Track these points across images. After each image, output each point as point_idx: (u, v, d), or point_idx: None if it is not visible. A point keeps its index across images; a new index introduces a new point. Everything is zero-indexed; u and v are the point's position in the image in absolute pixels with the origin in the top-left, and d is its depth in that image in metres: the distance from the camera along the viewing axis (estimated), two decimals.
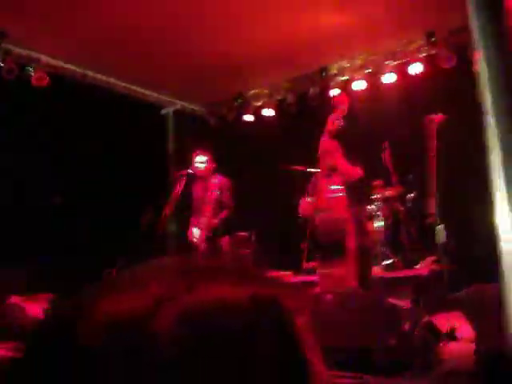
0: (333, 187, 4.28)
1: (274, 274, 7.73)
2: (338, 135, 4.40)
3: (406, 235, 7.33)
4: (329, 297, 3.61)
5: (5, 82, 7.05)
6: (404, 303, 3.45)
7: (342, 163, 4.29)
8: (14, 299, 5.44)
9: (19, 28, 6.85)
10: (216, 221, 5.41)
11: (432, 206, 3.74)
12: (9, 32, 6.88)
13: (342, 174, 4.30)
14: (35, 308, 5.29)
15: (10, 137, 7.09)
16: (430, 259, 6.98)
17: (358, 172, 4.36)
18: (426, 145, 4.25)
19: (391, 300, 3.51)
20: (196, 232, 5.56)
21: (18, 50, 7.31)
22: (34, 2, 6.23)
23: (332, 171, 4.39)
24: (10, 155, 7.00)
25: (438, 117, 4.29)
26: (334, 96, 4.45)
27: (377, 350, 3.29)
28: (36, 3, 6.26)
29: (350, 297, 3.54)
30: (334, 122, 4.25)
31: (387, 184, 7.57)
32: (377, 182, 7.63)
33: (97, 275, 7.47)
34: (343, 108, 4.28)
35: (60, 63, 7.71)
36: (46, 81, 7.46)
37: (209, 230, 5.41)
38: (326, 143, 4.21)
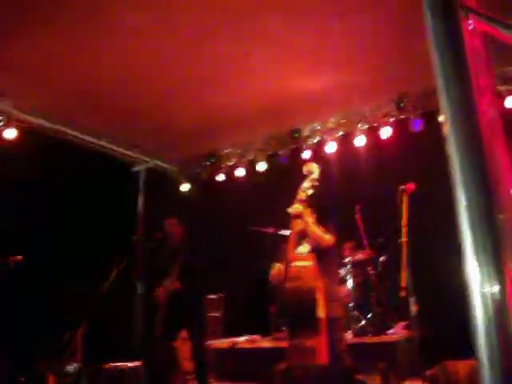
0: (303, 255, 4.21)
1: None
2: (309, 201, 4.36)
3: (376, 299, 7.27)
4: (298, 371, 3.50)
5: None
6: (375, 377, 3.35)
7: (313, 231, 4.24)
8: None
9: None
10: (179, 286, 5.23)
11: (404, 279, 3.70)
12: None
13: (312, 241, 4.24)
14: None
15: None
16: (400, 325, 6.91)
17: (329, 240, 4.31)
18: (398, 213, 4.24)
19: (361, 374, 3.40)
20: (162, 293, 5.40)
21: None
22: (5, 56, 6.20)
23: (302, 238, 4.33)
24: None
25: (409, 186, 4.30)
26: (304, 164, 4.43)
27: None
28: (8, 58, 6.23)
29: (319, 372, 3.43)
30: (305, 190, 4.23)
31: (358, 247, 7.57)
32: (347, 245, 7.62)
33: (58, 338, 7.20)
34: (314, 177, 4.27)
35: (31, 118, 7.62)
36: (16, 135, 7.36)
37: (173, 295, 5.23)
38: (296, 210, 4.18)
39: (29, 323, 6.78)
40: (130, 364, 4.66)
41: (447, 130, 0.91)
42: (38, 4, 5.34)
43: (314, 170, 4.31)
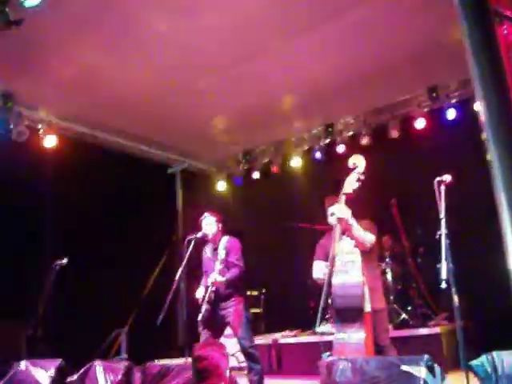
0: (348, 249, 4.20)
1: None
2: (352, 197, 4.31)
3: (416, 291, 7.25)
4: (343, 364, 3.54)
5: (16, 144, 7.15)
6: (419, 368, 3.37)
7: (357, 234, 4.21)
8: (23, 365, 5.36)
9: (29, 91, 7.03)
10: (222, 281, 5.26)
11: (444, 271, 3.70)
12: (19, 94, 7.03)
13: (356, 242, 4.22)
14: (43, 375, 5.21)
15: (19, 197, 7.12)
16: (441, 316, 6.88)
17: (372, 241, 4.29)
18: (435, 206, 4.22)
19: (406, 366, 3.43)
20: (201, 291, 5.46)
21: (28, 113, 7.43)
22: (43, 65, 6.40)
23: (343, 233, 4.32)
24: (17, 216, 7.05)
25: (446, 177, 4.27)
26: (351, 157, 4.38)
27: None
28: (45, 66, 6.43)
29: (364, 364, 3.47)
30: (351, 183, 4.20)
31: (396, 240, 7.55)
32: (386, 238, 7.61)
33: (106, 335, 7.38)
34: (360, 170, 4.24)
35: (70, 125, 7.84)
36: (56, 142, 7.57)
37: (213, 291, 5.28)
38: (341, 213, 4.16)
39: (76, 323, 6.97)
40: (176, 361, 4.78)
41: (486, 135, 0.96)
42: (75, 17, 5.52)
43: (361, 162, 4.25)
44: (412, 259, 7.29)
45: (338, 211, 4.16)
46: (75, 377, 5.34)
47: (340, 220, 4.15)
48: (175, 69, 6.63)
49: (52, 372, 5.34)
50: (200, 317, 5.31)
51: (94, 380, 5.20)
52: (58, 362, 5.44)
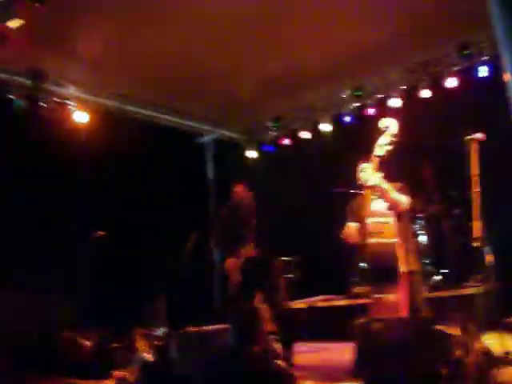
0: (381, 211, 4.17)
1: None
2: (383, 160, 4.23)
3: (451, 253, 7.19)
4: (378, 325, 3.58)
5: (47, 120, 7.29)
6: (454, 328, 3.39)
7: (390, 197, 4.16)
8: (67, 334, 5.56)
9: (59, 68, 7.13)
10: (252, 251, 5.37)
11: (477, 230, 3.66)
12: (49, 72, 7.13)
13: (388, 202, 4.17)
14: (86, 343, 5.39)
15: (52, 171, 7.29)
16: (475, 277, 6.82)
17: (406, 203, 4.24)
18: (468, 164, 4.15)
19: (441, 326, 3.46)
20: (230, 262, 5.58)
21: (58, 90, 7.54)
22: (72, 41, 6.47)
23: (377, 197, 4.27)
24: (54, 190, 7.23)
25: (478, 135, 4.18)
26: (382, 120, 4.28)
27: (428, 378, 3.23)
28: (74, 43, 6.50)
29: (399, 324, 3.51)
30: (382, 146, 4.13)
31: (429, 202, 7.46)
32: (419, 199, 7.52)
33: (139, 305, 7.57)
34: (392, 132, 4.16)
35: (99, 100, 7.91)
36: (86, 118, 7.67)
37: (244, 260, 5.39)
38: (371, 182, 4.10)
39: (115, 293, 7.16)
40: (215, 326, 4.88)
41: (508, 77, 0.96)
42: None
43: (392, 124, 4.18)
44: (446, 221, 7.21)
45: (368, 179, 4.10)
46: (117, 344, 5.54)
47: (372, 187, 4.11)
48: (201, 38, 6.61)
49: (96, 340, 5.55)
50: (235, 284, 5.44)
51: (135, 347, 5.39)
52: (101, 330, 5.64)
